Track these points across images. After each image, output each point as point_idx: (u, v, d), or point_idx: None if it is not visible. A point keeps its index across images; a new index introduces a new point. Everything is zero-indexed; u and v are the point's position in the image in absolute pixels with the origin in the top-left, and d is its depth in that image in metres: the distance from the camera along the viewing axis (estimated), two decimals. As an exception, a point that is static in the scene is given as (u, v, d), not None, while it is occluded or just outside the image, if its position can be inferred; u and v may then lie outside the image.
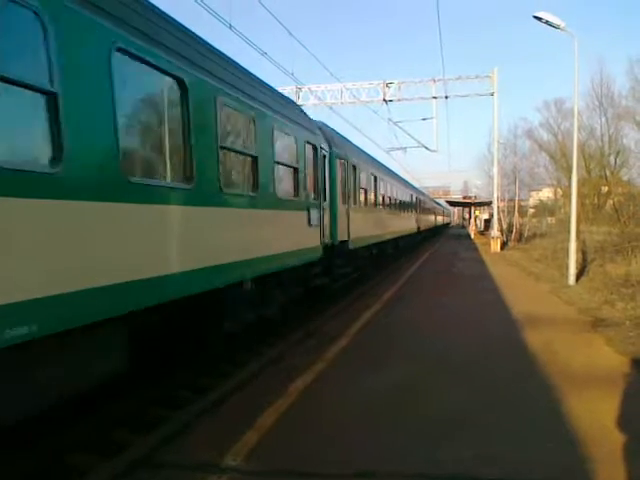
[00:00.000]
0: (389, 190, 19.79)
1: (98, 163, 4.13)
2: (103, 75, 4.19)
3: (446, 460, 4.06)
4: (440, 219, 60.08)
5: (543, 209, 42.82)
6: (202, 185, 5.60)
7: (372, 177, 16.31)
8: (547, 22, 14.85)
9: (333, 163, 11.48)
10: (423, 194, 40.17)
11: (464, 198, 71.62)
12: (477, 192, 66.76)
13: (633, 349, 7.18)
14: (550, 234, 30.19)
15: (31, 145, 3.72)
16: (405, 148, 34.36)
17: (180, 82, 5.29)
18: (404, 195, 24.59)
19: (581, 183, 23.47)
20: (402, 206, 23.65)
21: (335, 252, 11.46)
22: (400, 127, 31.14)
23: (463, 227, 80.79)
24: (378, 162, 19.69)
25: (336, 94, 29.89)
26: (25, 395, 3.91)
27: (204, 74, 5.78)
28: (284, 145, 8.43)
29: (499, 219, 31.60)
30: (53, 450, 4.48)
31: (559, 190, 42.27)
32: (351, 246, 12.67)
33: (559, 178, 41.11)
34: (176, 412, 5.32)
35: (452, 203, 77.18)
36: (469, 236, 50.10)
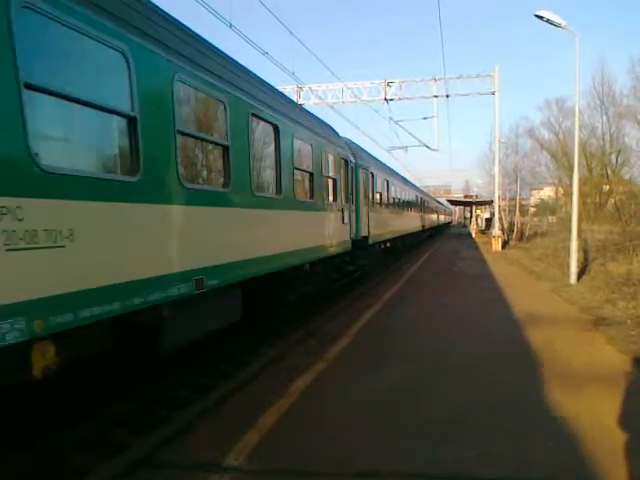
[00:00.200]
0: (398, 193, 22.32)
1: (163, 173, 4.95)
2: (167, 101, 5.04)
3: (446, 460, 4.06)
4: (442, 218, 61.28)
5: (544, 208, 42.81)
6: (286, 195, 8.21)
7: (385, 182, 18.67)
8: (548, 21, 14.82)
9: (357, 172, 13.74)
10: (426, 195, 42.57)
11: (465, 197, 71.69)
12: (478, 191, 66.83)
13: (635, 348, 7.17)
14: (551, 233, 30.19)
15: (118, 159, 4.59)
16: (406, 147, 34.45)
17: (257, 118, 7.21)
18: (411, 196, 27.47)
19: (582, 182, 23.45)
20: (409, 206, 26.44)
21: (358, 245, 13.65)
22: (401, 126, 31.22)
23: (464, 226, 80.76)
24: (390, 168, 22.58)
25: (337, 93, 29.94)
26: (194, 328, 5.88)
27: (287, 119, 8.36)
28: (329, 163, 11.03)
29: (500, 218, 31.58)
30: (52, 450, 4.49)
31: (560, 189, 42.30)
32: (370, 241, 15.06)
33: (560, 177, 41.19)
34: (177, 412, 5.32)
35: (453, 202, 77.14)
36: (470, 235, 50.06)
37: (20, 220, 3.30)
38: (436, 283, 15.21)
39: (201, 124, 6.04)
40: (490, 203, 43.54)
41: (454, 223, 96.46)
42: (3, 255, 3.17)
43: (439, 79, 29.20)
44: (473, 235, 48.52)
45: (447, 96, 29.44)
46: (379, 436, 4.56)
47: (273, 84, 8.89)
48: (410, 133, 31.90)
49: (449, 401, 5.35)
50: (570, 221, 15.40)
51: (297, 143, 8.74)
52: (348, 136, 15.01)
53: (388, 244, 19.64)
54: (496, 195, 30.45)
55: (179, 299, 5.12)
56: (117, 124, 4.46)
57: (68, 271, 3.72)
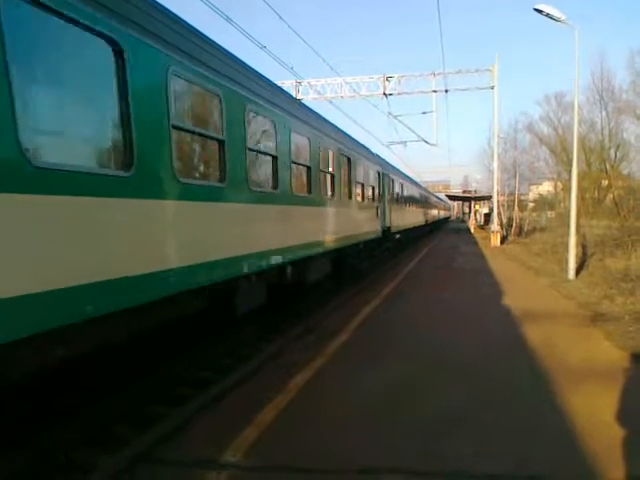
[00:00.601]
0: (408, 192, 26.60)
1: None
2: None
3: (445, 456, 4.07)
4: (442, 213, 62.21)
5: (543, 203, 42.79)
6: (354, 200, 13.02)
7: (400, 184, 23.00)
8: (548, 15, 14.77)
9: (384, 179, 18.10)
10: (427, 191, 45.99)
11: (464, 192, 71.50)
12: (477, 186, 66.70)
13: (632, 343, 7.19)
14: (550, 228, 30.19)
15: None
16: (405, 142, 34.44)
17: (309, 139, 9.56)
18: (416, 195, 31.57)
19: (581, 177, 23.44)
20: (416, 203, 30.70)
21: (384, 233, 18.11)
22: (400, 121, 31.14)
23: (463, 221, 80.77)
24: (402, 172, 27.24)
25: (336, 88, 29.83)
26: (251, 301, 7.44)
27: (333, 141, 11.48)
28: (375, 175, 16.48)
29: (499, 213, 31.58)
30: (50, 446, 4.48)
31: (559, 184, 42.27)
32: (392, 230, 19.89)
33: (559, 172, 41.13)
34: (175, 409, 5.32)
35: (452, 197, 77.02)
36: (469, 230, 50.09)
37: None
38: (435, 278, 15.21)
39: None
40: (489, 198, 43.51)
41: (452, 218, 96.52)
42: None
43: (438, 74, 29.13)
44: (472, 230, 48.57)
45: (446, 91, 29.38)
46: (378, 432, 4.56)
47: (272, 79, 8.81)
48: (409, 128, 31.87)
49: (447, 397, 5.35)
50: (569, 216, 15.40)
51: (360, 168, 13.89)
52: (347, 130, 15.15)
53: (399, 235, 23.21)
54: (495, 190, 30.44)
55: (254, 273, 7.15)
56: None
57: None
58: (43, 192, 3.57)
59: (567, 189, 26.42)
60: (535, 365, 6.38)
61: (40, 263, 3.52)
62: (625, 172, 37.73)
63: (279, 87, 9.35)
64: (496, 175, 30.41)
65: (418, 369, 6.31)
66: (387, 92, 29.56)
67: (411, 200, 27.69)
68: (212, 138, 6.05)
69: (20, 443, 4.40)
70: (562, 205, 36.42)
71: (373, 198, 16.08)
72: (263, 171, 7.64)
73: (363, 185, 14.30)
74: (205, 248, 5.69)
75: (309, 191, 9.36)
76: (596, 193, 37.51)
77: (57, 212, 3.69)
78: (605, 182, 36.33)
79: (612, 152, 39.07)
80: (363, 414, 5.00)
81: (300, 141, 8.99)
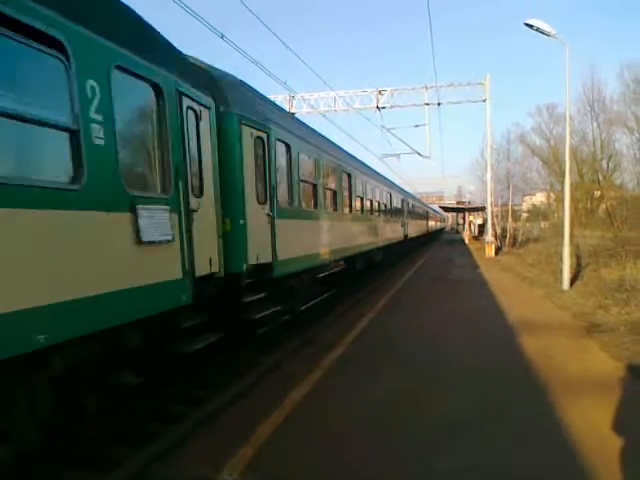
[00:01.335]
0: (416, 210, 35.37)
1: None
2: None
3: (443, 469, 4.05)
4: (438, 224, 66.12)
5: (536, 214, 42.97)
6: (389, 217, 21.59)
7: (412, 205, 31.52)
8: (538, 29, 14.96)
9: (404, 203, 26.88)
10: (428, 207, 50.73)
11: (458, 203, 71.88)
12: (471, 197, 67.01)
13: (628, 354, 7.20)
14: (544, 238, 30.29)
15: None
16: (399, 154, 34.53)
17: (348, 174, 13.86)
18: (420, 210, 39.41)
19: (574, 187, 23.55)
20: (421, 217, 39.22)
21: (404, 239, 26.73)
22: (393, 134, 31.37)
23: (457, 232, 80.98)
24: (413, 195, 37.51)
25: (329, 102, 30.02)
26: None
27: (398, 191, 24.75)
28: (399, 201, 25.02)
29: (493, 224, 31.69)
30: (48, 466, 4.42)
31: (552, 194, 42.50)
32: (409, 237, 28.48)
33: (552, 183, 41.37)
34: (171, 426, 5.26)
35: (446, 209, 77.32)
36: (463, 241, 50.20)
37: None
38: (430, 290, 15.22)
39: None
40: (483, 209, 43.71)
41: (447, 229, 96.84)
42: None
43: (430, 87, 29.40)
44: (466, 241, 48.66)
45: (439, 104, 29.62)
46: (376, 449, 4.54)
47: (265, 93, 8.93)
48: (402, 141, 32.03)
49: (444, 410, 5.33)
50: (562, 227, 15.47)
51: (394, 199, 22.88)
52: (341, 144, 16.31)
53: (414, 242, 32.82)
54: (488, 201, 30.58)
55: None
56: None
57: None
58: None
59: (560, 200, 26.56)
60: (532, 376, 6.38)
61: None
62: (617, 182, 38.05)
63: (350, 154, 15.17)
64: (489, 186, 30.57)
65: (414, 381, 6.30)
66: (380, 105, 29.76)
67: (418, 215, 36.29)
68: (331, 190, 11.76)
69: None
70: (555, 215, 36.57)
71: (399, 216, 24.79)
72: (358, 204, 14.92)
73: (396, 208, 23.64)
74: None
75: (387, 215, 20.75)
76: (589, 204, 37.74)
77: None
78: (598, 193, 36.57)
79: (604, 163, 39.42)
80: (360, 429, 4.97)
81: (370, 187, 16.77)
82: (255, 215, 7.04)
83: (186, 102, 5.57)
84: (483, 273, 19.46)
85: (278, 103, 12.62)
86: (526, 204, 51.77)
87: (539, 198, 49.98)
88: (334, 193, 11.81)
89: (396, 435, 4.78)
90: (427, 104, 29.67)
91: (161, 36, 5.57)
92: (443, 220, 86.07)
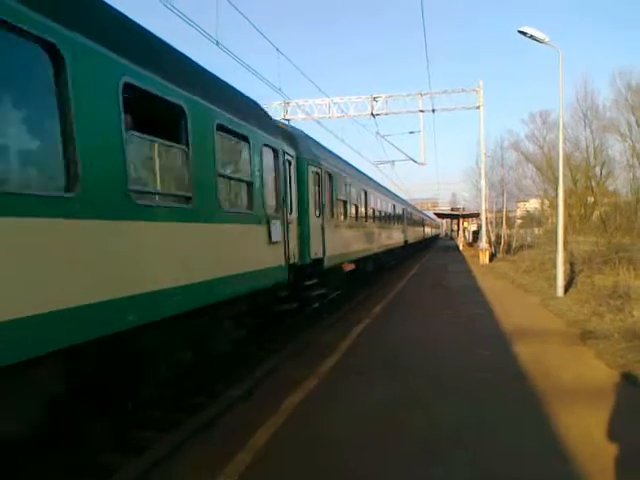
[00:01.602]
0: (415, 218, 38.56)
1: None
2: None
3: (440, 477, 4.04)
4: (433, 231, 67.78)
5: (530, 220, 43.16)
6: (392, 224, 24.31)
7: (411, 213, 34.33)
8: (532, 37, 15.08)
9: (404, 212, 29.14)
10: (423, 214, 53.24)
11: (452, 210, 71.95)
12: (465, 204, 67.24)
13: (622, 362, 7.22)
14: (538, 245, 30.38)
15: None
16: (393, 161, 34.68)
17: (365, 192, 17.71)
18: (418, 219, 42.93)
19: (568, 194, 23.71)
20: (417, 225, 41.68)
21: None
22: (388, 140, 31.57)
23: (452, 239, 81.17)
24: (412, 205, 40.97)
25: (324, 108, 30.06)
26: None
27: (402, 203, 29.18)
28: (401, 211, 28.07)
29: (487, 231, 31.78)
30: (39, 476, 4.38)
31: (546, 201, 42.73)
32: (408, 242, 30.82)
33: (546, 189, 41.65)
34: (167, 433, 5.22)
35: (440, 215, 77.46)
36: (457, 248, 50.31)
37: None
38: (425, 297, 15.23)
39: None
40: (477, 216, 43.85)
41: (442, 236, 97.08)
42: None
43: (425, 94, 29.49)
44: (460, 248, 48.77)
45: (433, 111, 29.70)
46: (372, 456, 4.52)
47: (260, 101, 9.01)
48: (397, 147, 32.34)
49: (440, 417, 5.33)
50: (556, 233, 15.52)
51: (397, 209, 25.99)
52: (334, 151, 15.98)
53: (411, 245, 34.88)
54: (483, 208, 30.66)
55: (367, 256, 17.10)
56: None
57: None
58: None
59: (554, 206, 26.68)
60: (527, 384, 6.40)
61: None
62: (611, 189, 38.32)
63: (364, 173, 18.61)
64: (484, 192, 30.66)
65: (410, 388, 6.31)
66: (375, 112, 29.83)
67: (415, 222, 39.29)
68: (354, 205, 14.99)
69: (10, 470, 4.30)
70: (549, 222, 36.76)
71: (401, 223, 27.48)
72: (371, 214, 18.03)
73: (398, 217, 26.38)
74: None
75: (391, 223, 23.52)
76: (583, 210, 37.96)
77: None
78: (591, 199, 36.80)
79: (597, 169, 39.68)
80: (357, 435, 4.96)
81: (379, 200, 20.06)
82: (314, 224, 10.10)
83: (286, 156, 8.74)
84: (478, 280, 19.50)
85: (272, 110, 12.85)
86: (520, 210, 52.02)
87: (533, 204, 50.25)
88: (356, 207, 15.25)
89: (389, 445, 4.77)
90: (422, 111, 29.76)
91: (272, 119, 9.04)
92: (437, 227, 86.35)
